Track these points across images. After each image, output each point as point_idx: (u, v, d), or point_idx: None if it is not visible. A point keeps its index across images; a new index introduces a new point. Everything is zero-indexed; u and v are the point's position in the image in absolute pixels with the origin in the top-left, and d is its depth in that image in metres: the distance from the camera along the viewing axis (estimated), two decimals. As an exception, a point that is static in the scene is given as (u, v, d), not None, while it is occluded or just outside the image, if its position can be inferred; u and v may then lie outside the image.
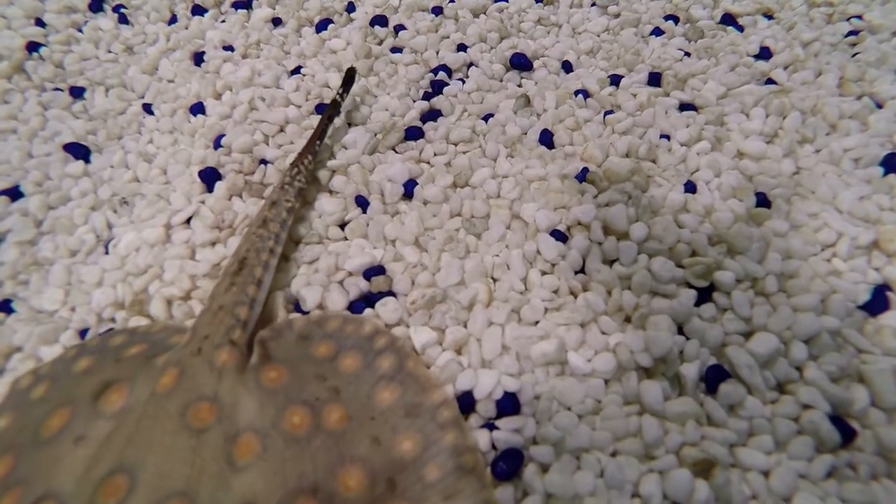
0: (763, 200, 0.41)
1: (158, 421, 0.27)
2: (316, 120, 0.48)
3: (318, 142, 0.44)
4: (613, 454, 0.31)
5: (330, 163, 0.45)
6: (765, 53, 0.51)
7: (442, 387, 0.31)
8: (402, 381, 0.30)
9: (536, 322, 0.35)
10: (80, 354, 0.34)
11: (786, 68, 0.50)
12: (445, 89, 0.51)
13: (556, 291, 0.37)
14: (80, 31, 0.60)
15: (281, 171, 0.45)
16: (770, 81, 0.49)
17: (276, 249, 0.37)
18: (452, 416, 0.29)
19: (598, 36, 0.58)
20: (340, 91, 0.47)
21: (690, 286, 0.37)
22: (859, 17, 0.53)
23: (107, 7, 0.62)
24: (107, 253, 0.43)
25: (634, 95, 0.49)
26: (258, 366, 0.31)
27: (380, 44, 0.56)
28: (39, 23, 0.59)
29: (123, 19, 0.61)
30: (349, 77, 0.48)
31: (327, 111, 0.45)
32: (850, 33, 0.52)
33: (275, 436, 0.27)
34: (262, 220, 0.38)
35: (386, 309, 0.35)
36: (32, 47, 0.56)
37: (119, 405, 0.29)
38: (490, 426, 0.31)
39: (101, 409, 0.29)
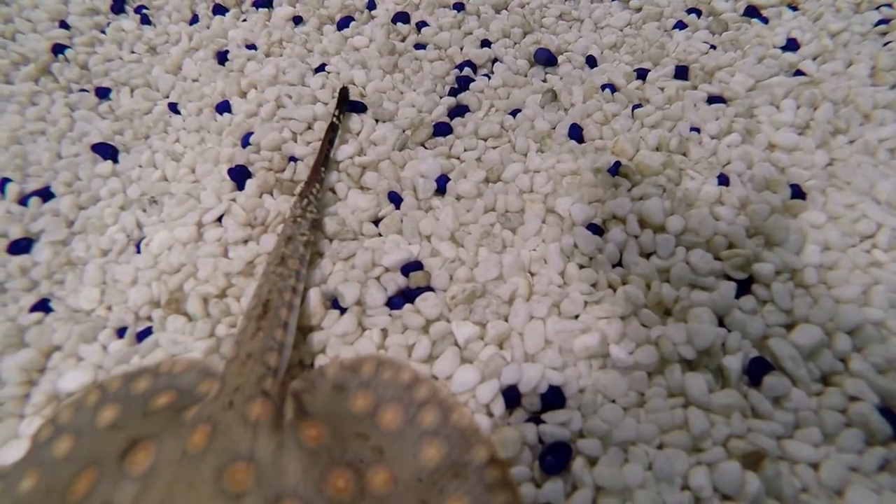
0: (798, 192, 0.41)
1: (192, 486, 0.25)
2: (343, 118, 0.48)
3: (322, 168, 0.43)
4: (660, 447, 0.31)
5: (360, 159, 0.45)
6: (792, 45, 0.51)
7: (488, 441, 0.29)
8: (447, 436, 0.29)
9: (577, 316, 0.35)
10: (103, 402, 0.32)
11: (814, 59, 0.49)
12: (472, 85, 0.51)
13: (594, 285, 0.37)
14: (104, 32, 0.60)
15: (293, 201, 0.42)
16: (799, 73, 0.48)
17: (298, 287, 0.35)
18: (501, 476, 0.28)
19: (621, 30, 0.58)
20: (336, 113, 0.46)
21: (729, 278, 0.37)
22: (889, 5, 0.53)
23: (128, 8, 0.62)
24: (138, 252, 0.43)
25: (662, 89, 0.49)
26: (295, 422, 0.29)
27: (403, 40, 0.56)
28: (64, 25, 0.59)
29: (145, 20, 0.61)
30: (343, 98, 0.47)
31: (326, 135, 0.44)
32: (881, 22, 0.52)
33: (319, 502, 0.25)
34: (280, 257, 0.36)
35: (426, 304, 0.35)
36: (58, 49, 0.56)
37: (146, 465, 0.27)
38: (536, 420, 0.31)
39: (127, 469, 0.27)
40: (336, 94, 0.49)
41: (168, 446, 0.27)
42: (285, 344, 0.32)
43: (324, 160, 0.43)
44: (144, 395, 0.32)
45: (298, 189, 0.42)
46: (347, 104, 0.48)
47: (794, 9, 0.56)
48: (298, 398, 0.31)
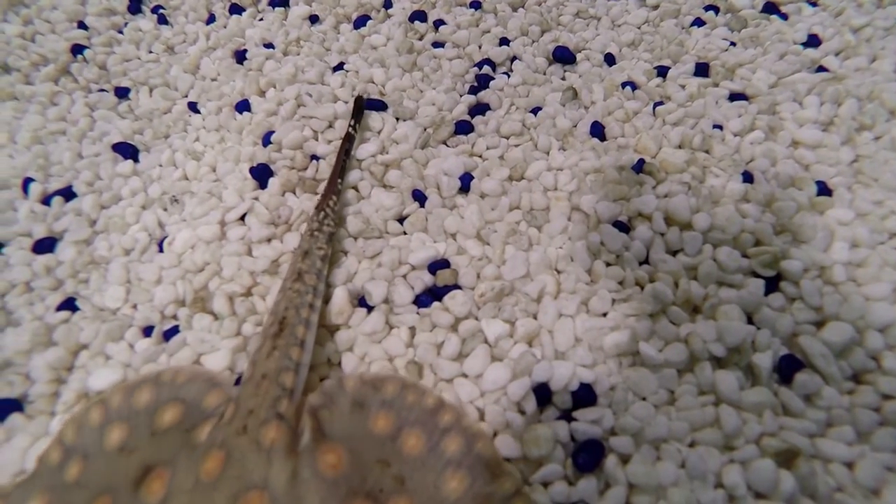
0: (824, 189, 0.40)
1: None
2: (365, 117, 0.48)
3: (339, 180, 0.42)
4: (692, 444, 0.31)
5: (382, 157, 0.45)
6: (813, 41, 0.51)
7: (512, 474, 0.28)
8: (470, 467, 0.28)
9: (605, 313, 0.35)
10: (108, 421, 0.30)
11: (837, 55, 0.49)
12: (492, 83, 0.51)
13: (621, 282, 0.37)
14: (121, 32, 0.60)
15: (308, 216, 0.41)
16: (822, 69, 0.48)
17: (315, 304, 0.34)
18: None
19: (639, 28, 0.57)
20: (352, 123, 0.45)
21: (757, 275, 0.37)
22: (912, 0, 0.53)
23: (145, 8, 0.63)
24: (160, 251, 0.43)
25: (683, 86, 0.49)
26: (313, 446, 0.28)
27: (420, 39, 0.56)
28: (82, 26, 0.60)
29: (162, 20, 0.61)
30: (358, 107, 0.47)
31: (342, 146, 0.44)
32: (905, 16, 0.51)
33: None
34: (297, 273, 0.35)
35: (455, 302, 0.35)
36: (77, 50, 0.57)
37: (161, 494, 0.26)
38: (567, 418, 0.31)
39: (143, 498, 0.26)
40: (352, 100, 0.48)
41: (181, 474, 0.27)
42: (301, 363, 0.31)
43: (340, 171, 0.42)
44: (149, 410, 0.30)
45: (316, 201, 0.41)
46: (362, 113, 0.47)
47: (814, 4, 0.55)
48: (316, 416, 0.29)
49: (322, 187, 0.43)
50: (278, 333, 0.32)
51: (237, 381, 0.34)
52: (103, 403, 0.31)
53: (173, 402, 0.31)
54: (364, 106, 0.47)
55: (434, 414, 0.29)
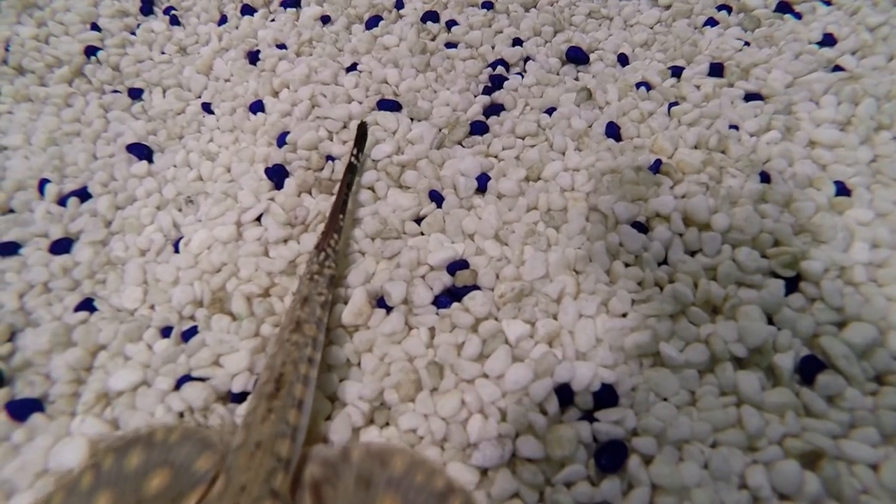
0: (842, 189, 0.40)
1: None
2: (379, 117, 0.48)
3: (340, 216, 0.39)
4: (714, 445, 0.31)
5: (398, 158, 0.45)
6: (828, 40, 0.51)
7: None
8: None
9: (625, 314, 0.35)
10: (97, 487, 0.29)
11: (854, 54, 0.49)
12: (506, 83, 0.51)
13: (640, 283, 0.37)
14: (134, 34, 0.60)
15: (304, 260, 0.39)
16: (838, 68, 0.48)
17: (315, 357, 0.32)
18: None
19: (651, 28, 0.57)
20: (355, 151, 0.43)
21: (777, 276, 0.36)
22: (929, -1, 0.52)
23: (157, 10, 0.63)
24: (176, 251, 0.43)
25: (698, 87, 0.49)
26: None
27: (433, 39, 0.56)
28: (95, 27, 0.60)
29: (175, 21, 0.61)
30: (361, 133, 0.44)
31: (344, 178, 0.41)
32: (921, 16, 0.51)
33: None
34: (295, 322, 0.32)
35: (475, 303, 0.35)
36: (90, 51, 0.57)
37: None
38: (590, 418, 0.31)
39: None
40: (356, 126, 0.45)
41: None
42: (299, 427, 0.29)
43: (342, 206, 0.39)
44: (138, 474, 0.29)
45: (316, 239, 0.38)
46: (366, 141, 0.45)
47: (828, 3, 0.55)
48: (318, 492, 0.28)
49: (316, 240, 0.38)
50: (274, 393, 0.29)
51: (254, 384, 0.34)
52: (96, 467, 0.30)
53: (162, 467, 0.29)
54: (367, 133, 0.45)
55: (444, 498, 0.27)
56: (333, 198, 0.40)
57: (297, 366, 0.30)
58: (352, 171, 0.42)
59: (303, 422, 0.30)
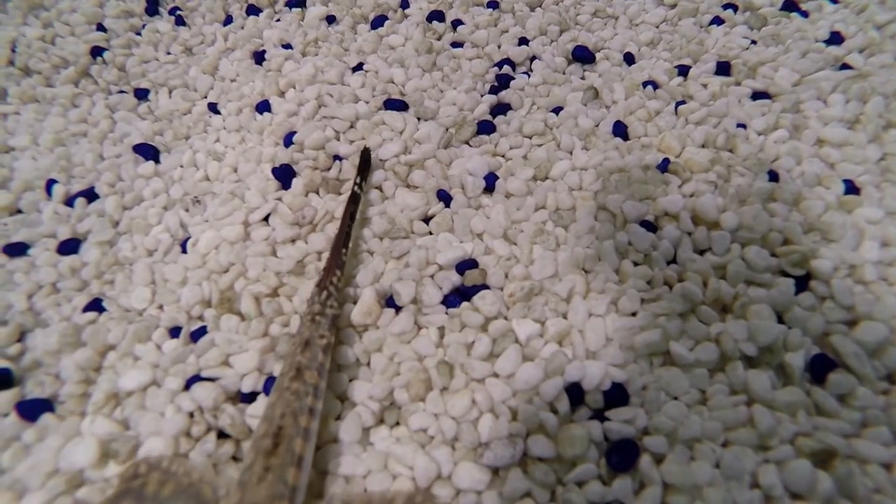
0: (851, 187, 0.40)
1: None
2: (386, 117, 0.48)
3: (343, 251, 0.37)
4: (725, 444, 0.31)
5: (406, 157, 0.44)
6: (836, 38, 0.51)
7: None
8: None
9: (634, 313, 0.35)
10: None
11: (861, 52, 0.49)
12: (512, 83, 0.50)
13: (650, 282, 0.36)
14: (139, 34, 0.60)
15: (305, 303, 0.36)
16: (845, 66, 0.48)
17: (316, 407, 0.30)
18: None
19: (657, 27, 0.57)
20: (358, 180, 0.41)
21: (786, 275, 0.36)
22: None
23: (162, 10, 0.63)
24: (183, 252, 0.43)
25: (705, 85, 0.49)
26: None
27: (439, 39, 0.56)
28: (101, 28, 0.60)
29: (180, 21, 0.61)
30: (365, 160, 0.43)
31: (347, 209, 0.39)
32: (929, 14, 0.51)
33: None
34: (296, 368, 0.30)
35: (484, 302, 0.35)
36: (96, 52, 0.57)
37: None
38: (600, 417, 0.31)
39: None
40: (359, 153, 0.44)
41: None
42: (299, 487, 0.27)
43: (345, 240, 0.38)
44: None
45: (318, 277, 0.36)
46: (369, 168, 0.43)
47: (835, 1, 0.55)
48: None
49: (318, 278, 0.36)
50: (272, 450, 0.27)
51: (266, 385, 0.34)
52: None
53: None
54: (370, 160, 0.43)
55: None
56: (338, 222, 0.39)
57: (296, 418, 0.29)
58: (355, 201, 0.40)
59: (302, 481, 0.28)
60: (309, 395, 0.30)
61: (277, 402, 0.29)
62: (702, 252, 0.38)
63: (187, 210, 0.46)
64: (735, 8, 0.57)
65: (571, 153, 0.44)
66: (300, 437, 0.28)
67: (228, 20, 0.61)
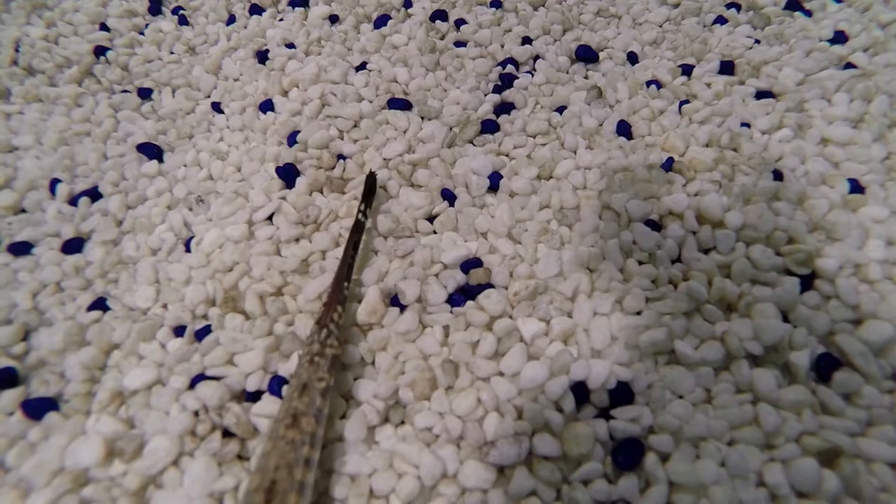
0: (856, 186, 0.40)
1: None
2: (390, 116, 0.48)
3: (346, 284, 0.35)
4: (731, 443, 0.31)
5: (409, 156, 0.44)
6: (840, 38, 0.51)
7: None
8: None
9: (639, 312, 0.35)
10: None
11: (866, 51, 0.49)
12: (516, 82, 0.50)
13: (654, 281, 0.36)
14: (142, 34, 0.60)
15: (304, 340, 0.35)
16: (850, 65, 0.48)
17: (312, 458, 0.28)
18: None
19: (661, 26, 0.57)
20: (362, 207, 0.39)
21: (791, 273, 0.36)
22: (940, -4, 0.52)
23: (165, 10, 0.63)
24: (187, 251, 0.43)
25: (709, 85, 0.49)
26: None
27: (442, 38, 0.56)
28: (104, 27, 0.60)
29: (183, 21, 0.61)
30: (370, 186, 0.41)
31: (350, 238, 0.37)
32: (933, 13, 0.51)
33: None
34: (292, 415, 0.28)
35: (489, 301, 0.35)
36: (99, 51, 0.57)
37: None
38: (605, 416, 0.31)
39: None
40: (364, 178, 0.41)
41: None
42: None
43: (347, 273, 0.35)
44: None
45: (318, 313, 0.34)
46: (374, 194, 0.41)
47: (839, 1, 0.55)
48: None
49: (318, 315, 0.34)
50: None
51: (271, 384, 0.34)
52: None
53: None
54: (376, 186, 0.41)
55: None
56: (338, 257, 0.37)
57: (291, 471, 0.27)
58: (359, 229, 0.38)
59: None
60: (305, 444, 0.28)
61: (272, 452, 0.27)
62: (706, 251, 0.38)
63: (191, 209, 0.46)
64: (738, 7, 0.57)
65: (575, 152, 0.44)
66: (295, 491, 0.26)
67: (231, 20, 0.61)
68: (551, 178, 0.43)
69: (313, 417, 0.29)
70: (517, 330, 0.34)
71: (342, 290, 0.34)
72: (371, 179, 0.41)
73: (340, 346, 0.33)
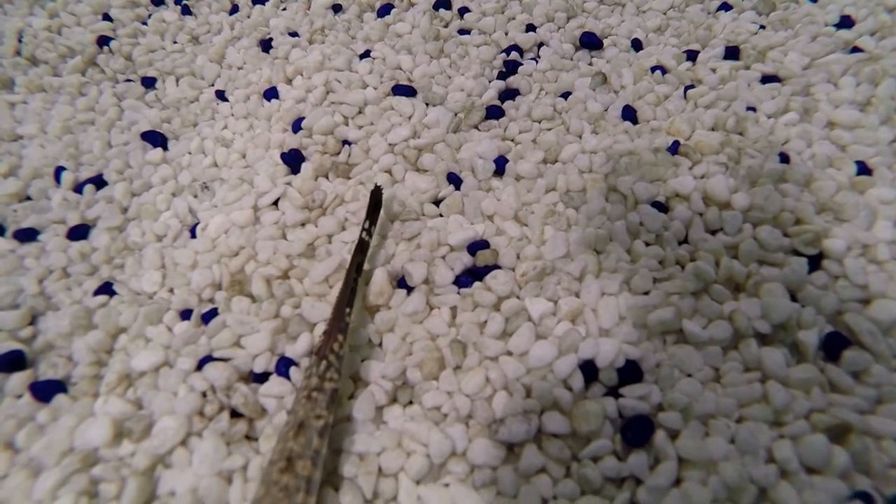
0: (863, 169, 0.40)
1: None
2: (395, 102, 0.48)
3: (347, 310, 0.32)
4: (739, 420, 0.31)
5: (415, 141, 0.44)
6: (846, 22, 0.50)
7: None
8: None
9: (647, 292, 0.35)
10: None
11: (872, 35, 0.49)
12: (521, 69, 0.50)
13: (662, 262, 0.36)
14: (145, 23, 0.60)
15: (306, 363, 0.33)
16: (856, 49, 0.48)
17: None
18: None
19: (665, 13, 0.57)
20: (366, 226, 0.37)
21: (798, 254, 0.36)
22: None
23: (168, 0, 0.63)
24: (193, 237, 0.43)
25: (714, 70, 0.49)
26: None
27: (446, 26, 0.56)
28: (107, 17, 0.60)
29: (186, 10, 0.61)
30: (376, 202, 0.38)
31: (353, 260, 0.34)
32: (941, -4, 0.51)
33: None
34: (287, 458, 0.26)
35: (497, 282, 0.35)
36: (103, 41, 0.57)
37: None
38: (614, 394, 0.31)
39: None
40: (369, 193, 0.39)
41: None
42: None
43: (350, 298, 0.33)
44: None
45: (317, 344, 0.32)
46: (379, 211, 0.38)
47: (844, -13, 0.55)
48: None
49: (317, 345, 0.32)
50: None
51: (277, 365, 0.34)
52: None
53: None
54: (381, 202, 0.39)
55: None
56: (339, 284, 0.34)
57: None
58: (362, 250, 0.35)
59: None
60: (301, 490, 0.25)
61: (264, 498, 0.25)
62: (713, 232, 0.38)
63: (196, 196, 0.46)
64: (742, -6, 0.57)
65: (581, 137, 0.44)
66: None
67: (234, 9, 0.61)
68: (557, 161, 0.43)
69: (310, 460, 0.26)
70: (525, 310, 0.34)
71: (343, 317, 0.32)
72: (377, 194, 0.38)
73: (341, 378, 0.30)
